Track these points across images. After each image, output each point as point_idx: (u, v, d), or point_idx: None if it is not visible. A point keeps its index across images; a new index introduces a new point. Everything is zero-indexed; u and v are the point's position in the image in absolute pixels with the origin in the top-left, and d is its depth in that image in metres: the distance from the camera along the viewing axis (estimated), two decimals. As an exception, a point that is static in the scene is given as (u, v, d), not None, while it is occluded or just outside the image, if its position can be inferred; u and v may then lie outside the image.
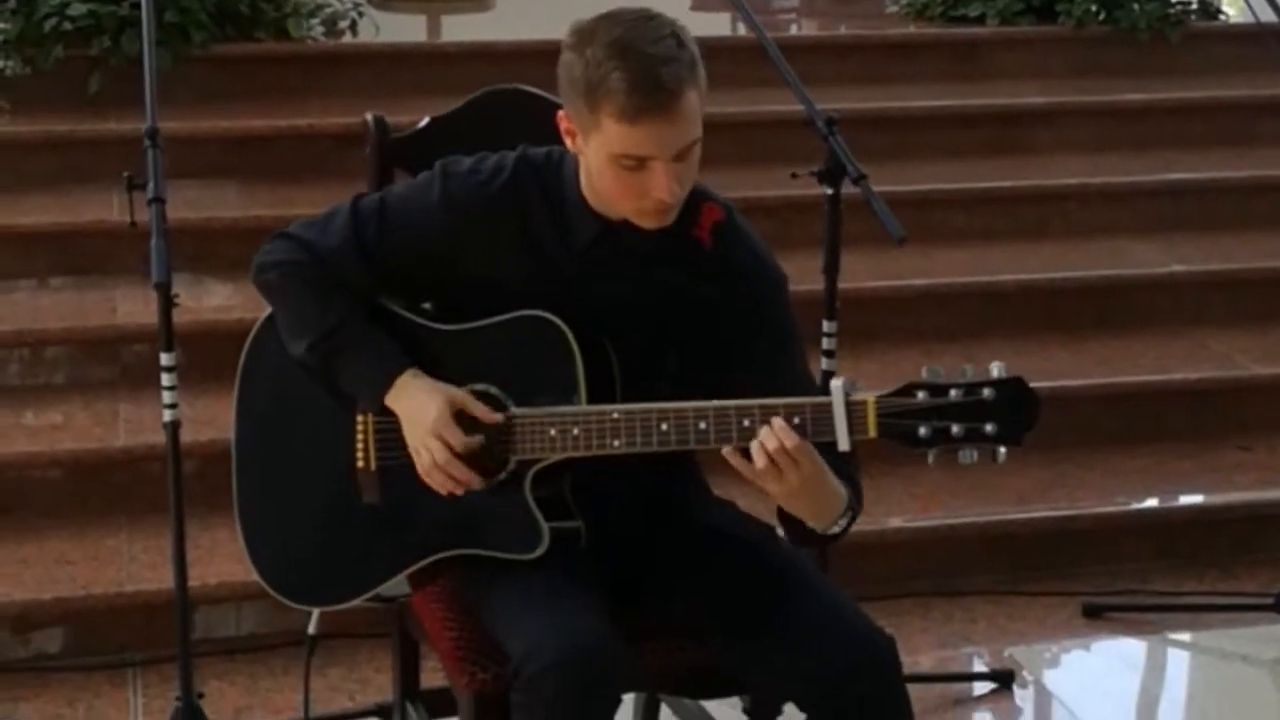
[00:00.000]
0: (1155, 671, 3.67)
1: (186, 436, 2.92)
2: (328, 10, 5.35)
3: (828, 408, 2.14)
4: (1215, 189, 5.12)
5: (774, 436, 2.14)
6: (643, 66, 2.14)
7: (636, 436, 2.23)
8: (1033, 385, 2.14)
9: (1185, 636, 3.74)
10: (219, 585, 3.44)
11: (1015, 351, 4.18)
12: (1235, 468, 4.18)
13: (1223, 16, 6.03)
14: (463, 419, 2.28)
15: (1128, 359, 4.42)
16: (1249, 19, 5.96)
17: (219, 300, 4.20)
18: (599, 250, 2.32)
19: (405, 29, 5.87)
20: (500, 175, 2.34)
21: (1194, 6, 5.86)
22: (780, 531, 2.38)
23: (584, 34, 2.20)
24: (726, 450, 2.17)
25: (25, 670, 3.41)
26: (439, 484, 2.29)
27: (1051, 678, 3.57)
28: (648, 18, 2.20)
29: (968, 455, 2.14)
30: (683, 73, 2.16)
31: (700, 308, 2.34)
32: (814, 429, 2.15)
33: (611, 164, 2.20)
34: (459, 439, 2.26)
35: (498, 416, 2.28)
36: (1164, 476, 4.14)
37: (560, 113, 2.26)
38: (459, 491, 2.28)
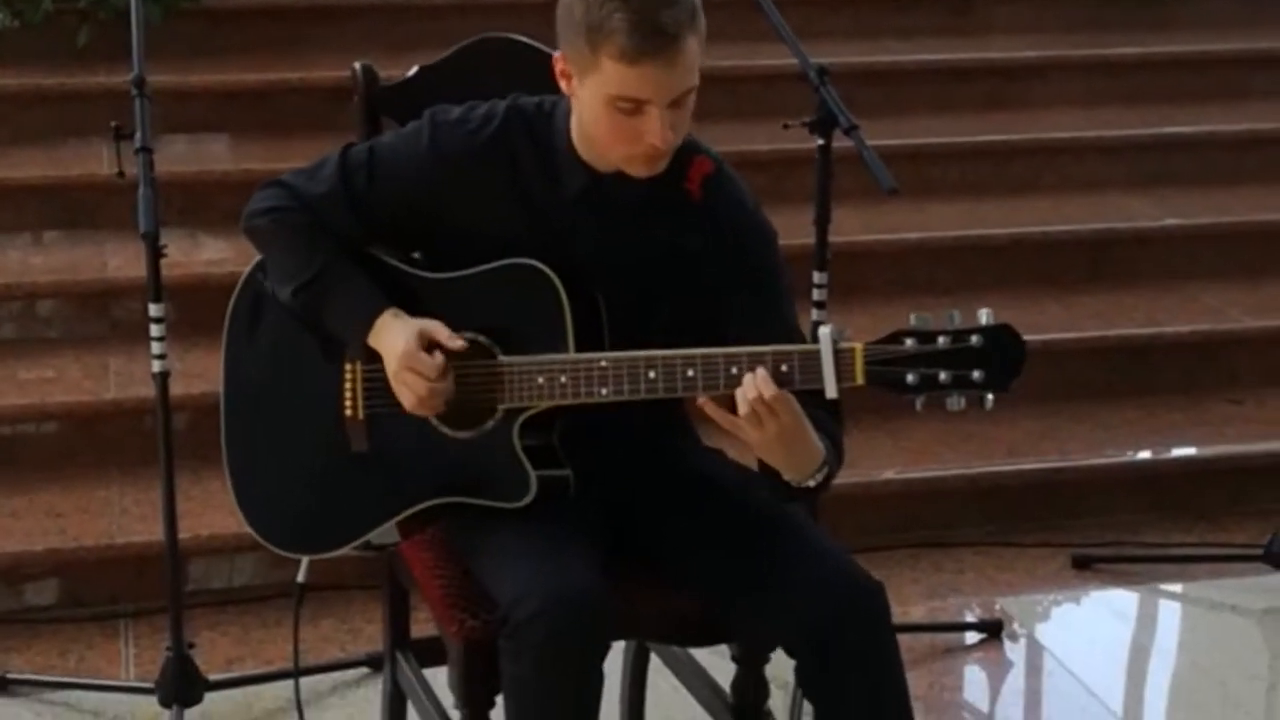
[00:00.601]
0: (1144, 622, 3.69)
1: (178, 389, 2.92)
2: (319, -37, 5.32)
3: (816, 355, 2.14)
4: (1208, 143, 5.12)
5: (754, 386, 2.14)
6: (645, 8, 2.14)
7: (624, 384, 2.23)
8: (1024, 338, 2.15)
9: (1174, 587, 3.76)
10: (210, 537, 3.45)
11: (1007, 305, 4.12)
12: (1225, 420, 4.20)
13: (1218, -30, 6.01)
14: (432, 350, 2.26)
15: (1119, 312, 4.42)
16: (1244, -28, 5.97)
17: (210, 254, 4.19)
18: (588, 200, 2.31)
19: (397, -18, 5.82)
20: (490, 124, 2.34)
21: (1189, -40, 5.84)
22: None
23: None
24: (702, 399, 2.17)
25: (17, 622, 3.43)
26: (430, 409, 2.28)
27: (1041, 629, 3.59)
28: None
29: (955, 402, 2.14)
30: (683, 18, 2.16)
31: (689, 260, 2.34)
32: (802, 376, 2.16)
33: (608, 106, 2.19)
34: (428, 364, 2.25)
35: (460, 341, 2.26)
36: (1154, 429, 4.16)
37: (556, 54, 2.25)
38: (439, 409, 2.27)
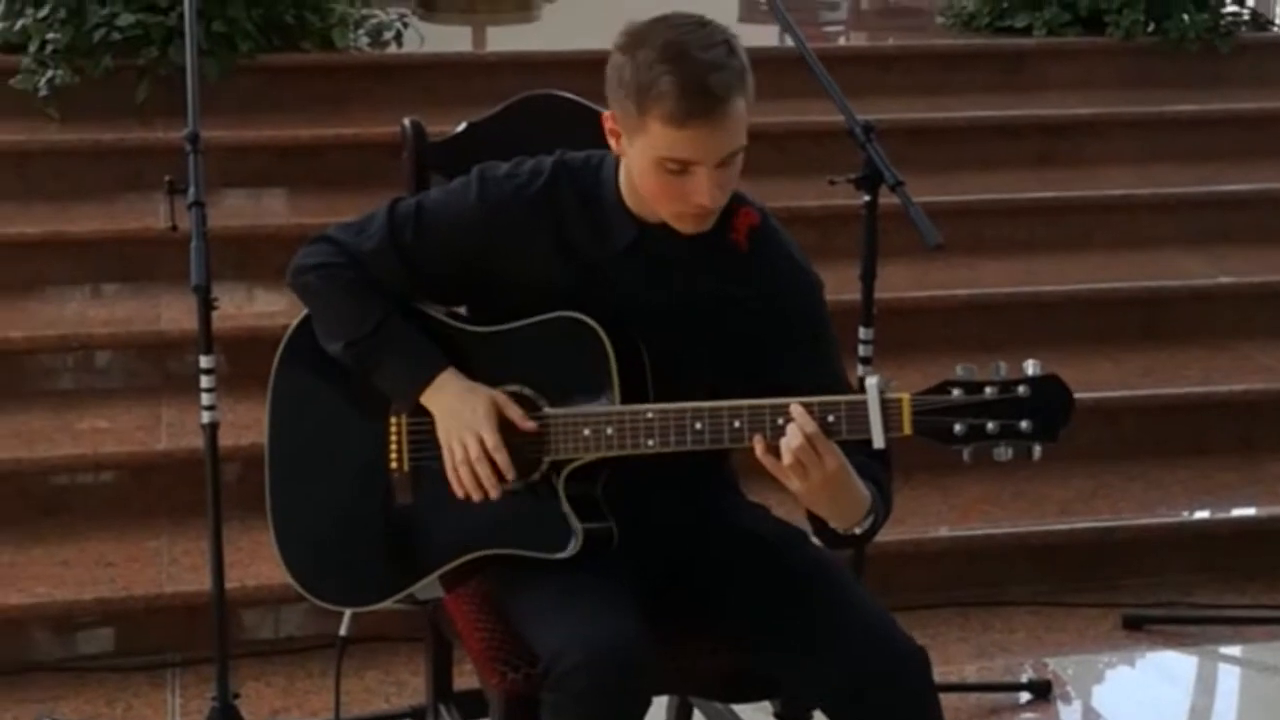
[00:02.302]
0: (1197, 685, 3.64)
1: (227, 440, 2.95)
2: (373, 21, 5.38)
3: (863, 405, 2.14)
4: (1263, 201, 5.08)
5: (797, 433, 2.14)
6: (693, 72, 2.15)
7: (670, 435, 2.23)
8: (1076, 396, 2.14)
9: (1228, 650, 3.71)
10: (257, 588, 3.46)
11: (1059, 362, 4.02)
12: (1279, 480, 4.14)
13: (1273, 28, 5.98)
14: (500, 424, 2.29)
15: (1173, 370, 4.39)
16: (1300, 30, 5.95)
17: (262, 307, 4.23)
18: (636, 253, 2.33)
19: (450, 39, 5.91)
20: (537, 179, 2.36)
21: (1245, 18, 5.82)
22: (811, 533, 2.38)
23: (636, 36, 2.21)
24: (758, 444, 2.17)
25: (65, 670, 3.45)
26: (465, 479, 2.29)
27: (1091, 690, 3.55)
28: (701, 24, 2.21)
29: (1003, 452, 2.14)
30: (732, 80, 2.17)
31: (735, 311, 2.35)
32: (849, 426, 2.16)
33: (656, 167, 2.21)
34: (493, 439, 2.27)
35: (531, 424, 2.28)
36: (1207, 489, 4.11)
37: (606, 113, 2.27)
38: (476, 496, 2.29)
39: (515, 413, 2.29)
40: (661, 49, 2.17)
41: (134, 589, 3.49)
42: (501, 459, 2.28)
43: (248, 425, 3.64)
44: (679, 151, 2.18)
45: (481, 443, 2.27)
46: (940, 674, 2.33)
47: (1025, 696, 3.45)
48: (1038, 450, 2.14)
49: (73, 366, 4.10)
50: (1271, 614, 3.75)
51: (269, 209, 4.71)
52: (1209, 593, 3.85)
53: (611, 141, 2.28)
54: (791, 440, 2.14)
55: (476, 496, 2.29)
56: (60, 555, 3.60)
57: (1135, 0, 5.61)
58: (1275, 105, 5.50)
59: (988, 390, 2.13)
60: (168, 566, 3.56)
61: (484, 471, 2.28)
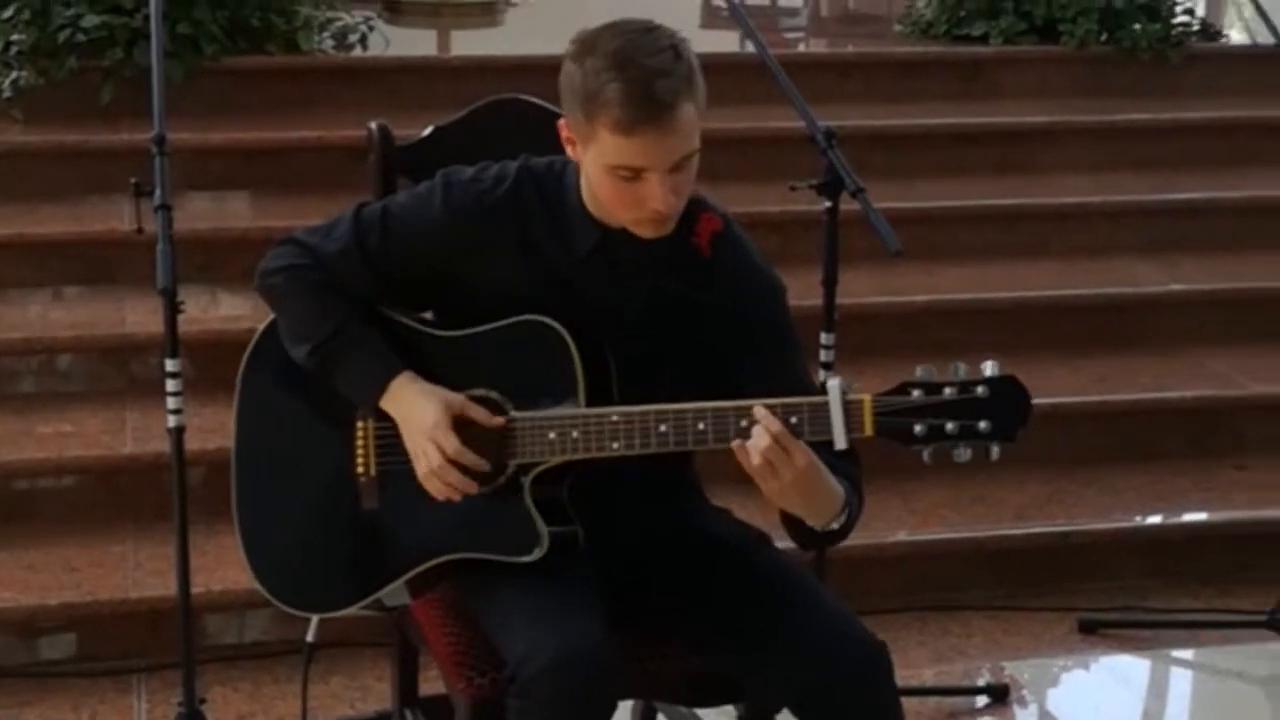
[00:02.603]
0: (1151, 688, 3.69)
1: (193, 445, 2.95)
2: (338, 24, 5.38)
3: (825, 406, 2.17)
4: (1215, 209, 5.14)
5: (763, 434, 2.16)
6: (639, 79, 2.17)
7: (635, 438, 2.25)
8: (1032, 402, 2.17)
9: (1181, 653, 3.76)
10: (223, 593, 3.46)
11: (1015, 367, 4.07)
12: (1232, 486, 4.21)
13: (1223, 38, 6.06)
14: (462, 425, 2.31)
15: (1126, 377, 4.44)
16: (1249, 41, 6.03)
17: (228, 310, 4.23)
18: (599, 258, 2.35)
19: (415, 43, 5.90)
20: (502, 184, 2.38)
21: (1195, 28, 5.88)
22: (783, 535, 2.40)
23: (585, 44, 2.23)
24: (736, 445, 2.18)
25: (30, 676, 3.44)
26: (435, 489, 2.32)
27: (1048, 693, 3.59)
28: (647, 29, 2.23)
29: (962, 453, 2.16)
30: (679, 85, 2.19)
31: (698, 315, 2.37)
32: (811, 428, 2.18)
33: (609, 174, 2.23)
34: (453, 444, 2.29)
35: (498, 420, 2.30)
36: (1161, 494, 4.16)
37: (560, 121, 2.30)
38: (455, 498, 2.31)
39: (478, 412, 2.31)
40: (608, 56, 2.19)
41: (99, 594, 3.48)
42: (469, 459, 2.29)
43: (213, 429, 3.64)
44: (629, 159, 2.20)
45: (442, 450, 2.29)
46: (899, 678, 2.35)
47: (983, 700, 3.49)
48: (995, 450, 2.17)
49: (36, 369, 4.09)
50: (1224, 618, 3.80)
51: (234, 212, 4.71)
52: (1163, 597, 3.89)
53: (568, 149, 2.31)
54: (759, 441, 2.16)
55: (456, 498, 2.31)
56: (24, 560, 3.59)
57: (1089, 10, 5.67)
58: (1226, 114, 5.55)
59: (947, 391, 2.15)
60: (133, 571, 3.56)
61: (454, 478, 2.30)
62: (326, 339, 2.35)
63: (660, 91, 2.17)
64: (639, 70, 2.17)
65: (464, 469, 2.29)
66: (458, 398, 2.32)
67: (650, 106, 2.17)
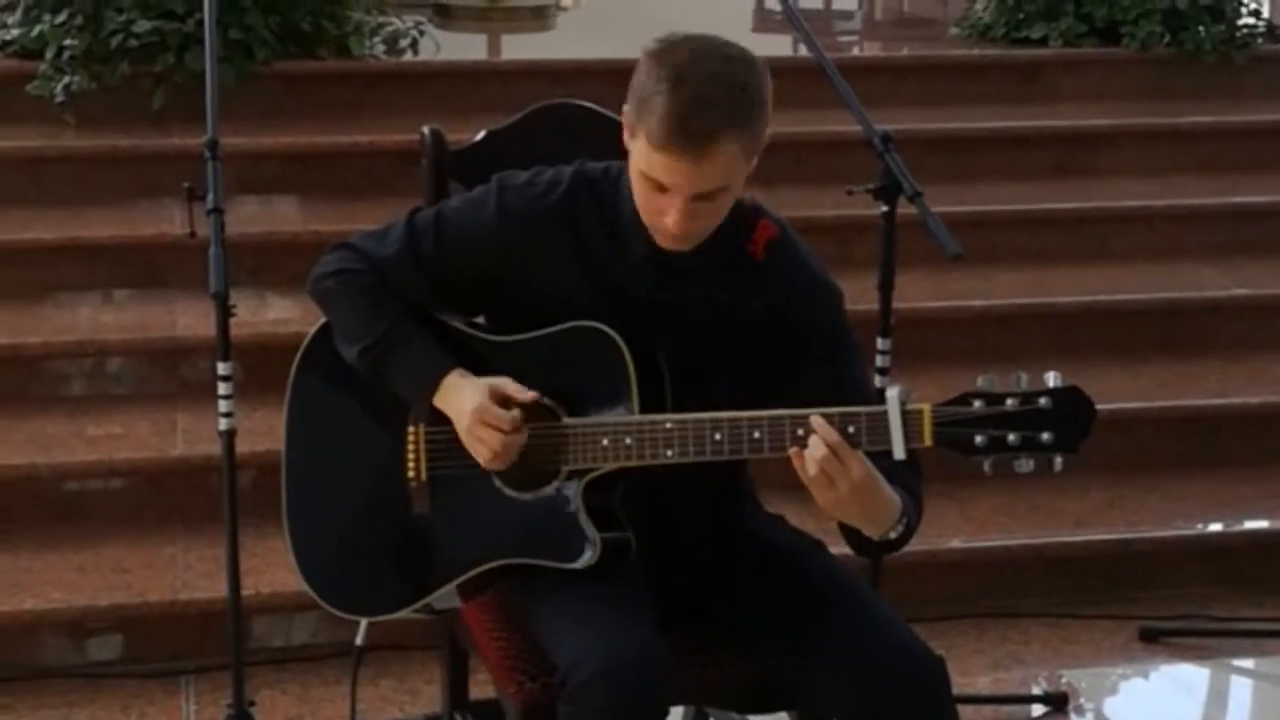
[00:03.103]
0: (1213, 698, 3.62)
1: (243, 447, 2.94)
2: (389, 29, 5.39)
3: (883, 416, 2.14)
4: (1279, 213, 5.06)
5: (820, 444, 2.14)
6: (685, 101, 2.13)
7: (689, 446, 2.23)
8: (1094, 411, 2.13)
9: (1244, 663, 3.69)
10: (272, 595, 3.46)
11: (1074, 373, 4.03)
12: (1296, 493, 4.14)
13: (1289, 39, 5.98)
14: (507, 407, 2.28)
15: (1189, 382, 4.37)
16: (1316, 41, 5.94)
17: (278, 314, 4.23)
18: (652, 264, 2.32)
19: (466, 47, 5.91)
20: (556, 189, 2.36)
21: (1260, 29, 5.81)
22: (841, 542, 2.37)
23: (663, 45, 2.20)
24: (794, 452, 2.15)
25: (80, 676, 3.44)
26: (503, 464, 2.29)
27: (1107, 702, 3.54)
28: (725, 56, 2.18)
29: (1024, 464, 2.14)
30: (720, 122, 2.14)
31: (754, 323, 2.34)
32: (869, 437, 2.15)
33: (640, 177, 2.22)
34: (503, 417, 2.25)
35: (530, 394, 2.26)
36: (1224, 501, 4.10)
37: (625, 107, 2.27)
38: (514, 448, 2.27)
39: (511, 387, 2.27)
40: (671, 67, 2.16)
41: (149, 595, 3.48)
42: (512, 425, 2.24)
43: (263, 432, 3.64)
44: (655, 172, 2.18)
45: (494, 427, 2.24)
46: (956, 686, 2.32)
47: (1041, 709, 3.44)
48: (1059, 462, 2.14)
49: (87, 372, 4.11)
50: (1288, 627, 3.74)
51: (285, 216, 4.71)
52: (1225, 606, 3.83)
53: (626, 135, 2.27)
54: (815, 451, 2.13)
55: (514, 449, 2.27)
56: (75, 561, 3.60)
57: (1151, 11, 5.61)
58: (1291, 116, 5.49)
59: (1009, 402, 2.13)
60: (182, 573, 3.56)
61: (508, 440, 2.25)
62: (379, 339, 2.34)
63: (697, 121, 2.13)
64: (689, 93, 2.13)
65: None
66: (497, 379, 2.28)
67: (685, 132, 2.13)
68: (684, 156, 2.15)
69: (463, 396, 2.29)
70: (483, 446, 2.27)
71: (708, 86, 2.14)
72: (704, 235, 2.26)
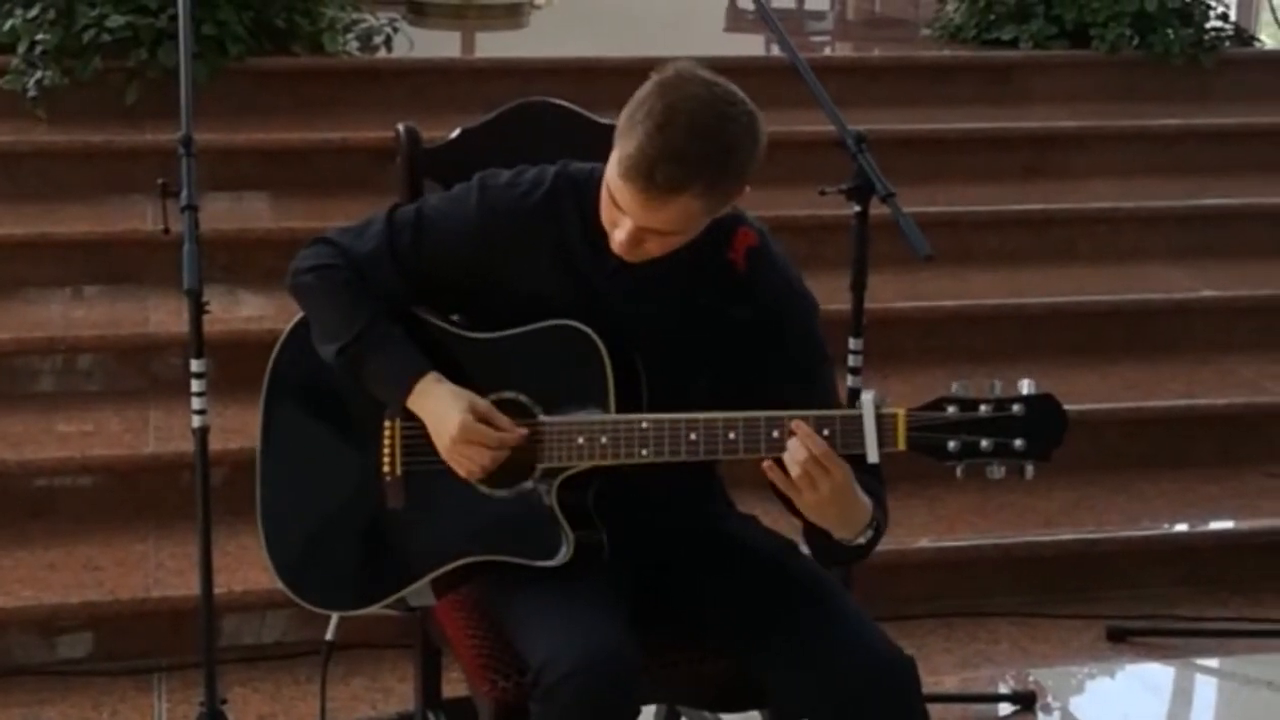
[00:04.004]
0: (1179, 696, 3.65)
1: (215, 445, 2.94)
2: (363, 25, 5.38)
3: (858, 420, 2.16)
4: (1247, 215, 5.11)
5: (802, 446, 2.15)
6: (659, 147, 2.13)
7: (665, 446, 2.24)
8: (1066, 419, 2.15)
9: (1210, 662, 3.72)
10: (244, 593, 3.45)
11: (1043, 374, 4.04)
12: (1262, 494, 4.16)
13: (1257, 43, 6.02)
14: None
15: (1156, 383, 4.41)
16: (1284, 45, 5.99)
17: (250, 311, 4.22)
18: (632, 268, 2.32)
19: (439, 45, 5.90)
20: (538, 189, 2.36)
21: (1229, 33, 5.85)
22: (804, 549, 2.39)
23: (671, 79, 2.18)
24: (766, 465, 2.17)
25: (51, 674, 3.43)
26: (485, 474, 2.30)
27: (1074, 701, 3.56)
28: (721, 114, 2.16)
29: (995, 470, 2.16)
30: (688, 178, 2.14)
31: (731, 329, 2.35)
32: (843, 441, 2.17)
33: (605, 184, 2.23)
34: (491, 435, 2.27)
35: (521, 431, 2.29)
36: (1190, 501, 4.13)
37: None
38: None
39: (502, 421, 2.29)
40: (664, 106, 2.14)
41: (120, 593, 3.47)
42: (512, 439, 2.28)
43: (235, 430, 3.63)
44: (615, 192, 2.19)
45: (485, 454, 2.27)
46: (925, 685, 2.34)
47: (1009, 708, 3.46)
48: (1030, 469, 2.16)
49: (58, 369, 4.09)
50: (1253, 627, 3.76)
51: (258, 212, 4.70)
52: (1192, 605, 3.86)
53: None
54: (797, 453, 2.15)
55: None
56: (46, 559, 3.59)
57: (1120, 14, 5.64)
58: (1258, 120, 5.53)
59: (983, 408, 2.15)
60: (154, 571, 3.55)
61: (502, 457, 2.28)
62: (355, 338, 2.34)
63: (667, 171, 2.13)
64: (667, 141, 2.12)
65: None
66: (483, 403, 2.30)
67: (649, 176, 2.14)
68: (642, 196, 2.15)
69: (445, 409, 2.28)
70: (470, 464, 2.29)
71: (689, 140, 2.13)
72: (652, 256, 2.26)
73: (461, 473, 2.30)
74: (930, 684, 2.67)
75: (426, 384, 2.31)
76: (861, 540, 2.26)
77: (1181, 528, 4.09)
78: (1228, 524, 4.12)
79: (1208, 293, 4.74)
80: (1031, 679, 3.57)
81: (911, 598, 3.76)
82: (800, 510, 2.22)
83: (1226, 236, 5.04)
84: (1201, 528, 4.11)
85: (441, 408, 2.29)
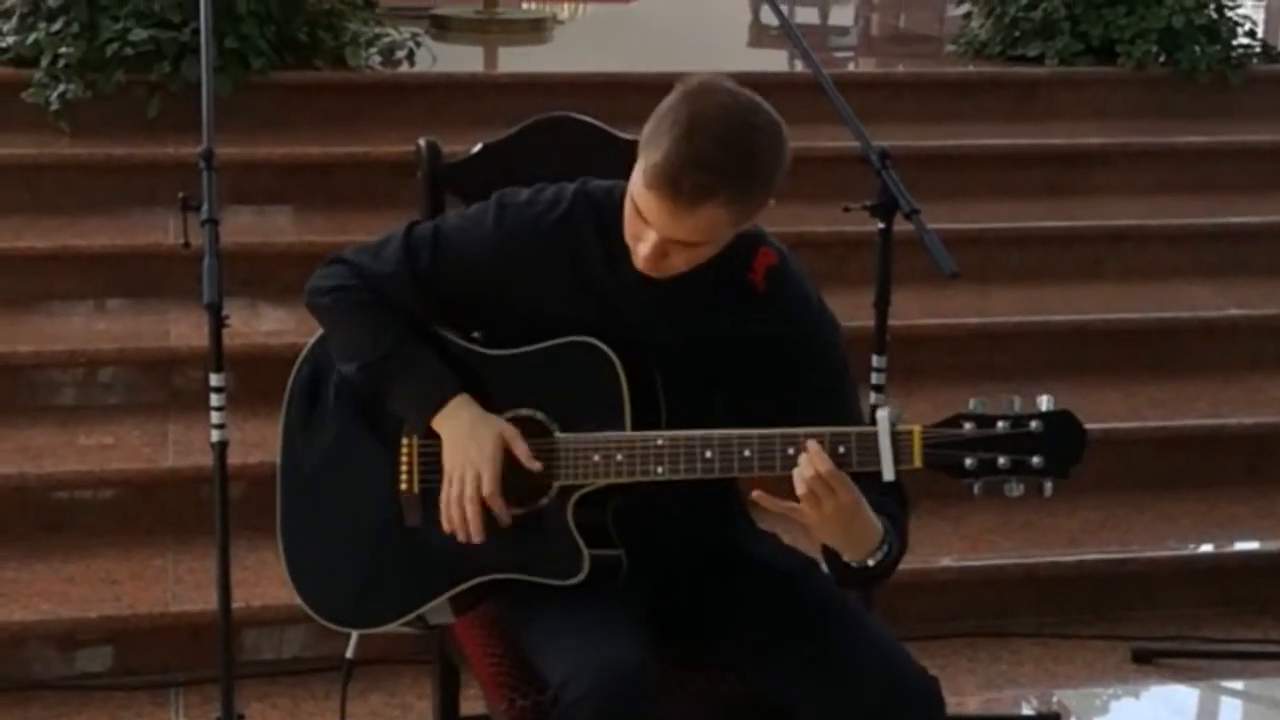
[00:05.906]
0: (1205, 719, 3.61)
1: (235, 459, 2.94)
2: (385, 40, 5.38)
3: (873, 437, 2.14)
4: (1273, 233, 5.06)
5: (810, 464, 2.14)
6: (685, 155, 2.11)
7: (680, 463, 2.22)
8: (1085, 426, 2.13)
9: (1237, 684, 3.69)
10: (263, 608, 3.44)
11: (1068, 392, 4.04)
12: (1290, 514, 4.14)
13: (1285, 60, 5.98)
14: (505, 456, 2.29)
15: (1182, 402, 4.37)
16: (1311, 62, 5.94)
17: (271, 325, 4.22)
18: (650, 287, 2.30)
19: (462, 59, 5.90)
20: (556, 207, 2.35)
21: (1256, 50, 5.82)
22: (824, 566, 2.37)
23: (696, 88, 2.18)
24: (757, 494, 2.16)
25: (69, 688, 3.42)
26: (454, 516, 2.29)
27: (1099, 723, 3.53)
28: (748, 122, 2.15)
29: (1013, 488, 2.14)
30: (715, 185, 2.13)
31: (750, 350, 2.33)
32: (859, 458, 2.15)
33: (630, 198, 2.21)
34: (492, 487, 2.26)
35: (537, 465, 2.27)
36: (1217, 522, 4.09)
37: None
38: (461, 537, 2.29)
39: (522, 450, 2.28)
40: (689, 115, 2.13)
41: (138, 607, 3.47)
42: (497, 505, 2.28)
43: (255, 444, 3.63)
44: (640, 203, 2.18)
45: (479, 484, 2.26)
46: (948, 705, 2.32)
47: (1033, 729, 3.44)
48: (1049, 486, 2.14)
49: (79, 381, 4.09)
50: (1280, 649, 3.73)
51: (278, 226, 4.70)
52: (1218, 627, 3.82)
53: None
54: (804, 470, 2.14)
55: (461, 537, 2.28)
56: (64, 572, 3.58)
57: (1147, 31, 5.61)
58: (1286, 137, 5.49)
59: (1000, 425, 2.13)
60: (172, 585, 3.54)
61: (472, 513, 2.27)
62: (383, 356, 2.33)
63: (693, 179, 2.12)
64: (694, 148, 2.11)
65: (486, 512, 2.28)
66: (510, 430, 2.28)
67: (675, 184, 2.12)
68: (669, 205, 2.14)
69: (472, 430, 2.28)
70: (458, 486, 2.28)
71: (716, 148, 2.12)
72: (676, 271, 2.24)
73: (450, 492, 2.28)
74: (953, 704, 2.65)
75: (457, 405, 2.30)
76: (870, 562, 2.23)
77: (1208, 548, 4.05)
78: (1255, 544, 4.08)
79: (1235, 311, 4.70)
80: (1055, 700, 3.54)
81: (934, 617, 3.73)
82: (806, 529, 2.20)
83: (1254, 254, 5.00)
84: (1228, 548, 4.07)
85: (469, 430, 2.28)
